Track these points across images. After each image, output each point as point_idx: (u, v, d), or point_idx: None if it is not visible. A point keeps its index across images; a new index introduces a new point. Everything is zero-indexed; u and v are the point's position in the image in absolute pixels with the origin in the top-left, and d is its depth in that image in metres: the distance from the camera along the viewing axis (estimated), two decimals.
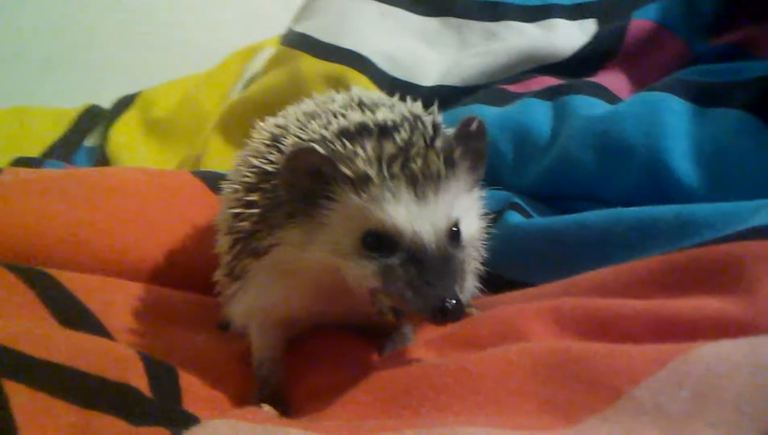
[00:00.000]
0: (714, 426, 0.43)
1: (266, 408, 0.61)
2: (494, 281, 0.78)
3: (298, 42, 1.17)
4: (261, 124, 0.72)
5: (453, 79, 1.08)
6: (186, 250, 0.85)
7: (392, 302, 0.56)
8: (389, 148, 0.56)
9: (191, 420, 0.58)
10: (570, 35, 1.07)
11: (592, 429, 0.46)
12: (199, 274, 0.84)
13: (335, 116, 0.62)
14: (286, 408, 0.64)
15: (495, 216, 0.83)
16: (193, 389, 0.64)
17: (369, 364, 0.67)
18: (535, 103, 0.92)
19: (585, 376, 0.50)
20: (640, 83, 0.97)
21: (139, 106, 1.62)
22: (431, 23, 1.17)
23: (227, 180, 0.72)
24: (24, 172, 0.93)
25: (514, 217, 0.82)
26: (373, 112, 0.61)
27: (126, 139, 1.54)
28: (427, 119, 0.61)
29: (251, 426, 0.50)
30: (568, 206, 0.86)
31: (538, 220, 0.81)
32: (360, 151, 0.56)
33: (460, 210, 0.59)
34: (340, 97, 0.68)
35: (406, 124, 0.58)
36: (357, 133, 0.57)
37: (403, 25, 1.17)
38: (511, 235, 0.79)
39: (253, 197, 0.62)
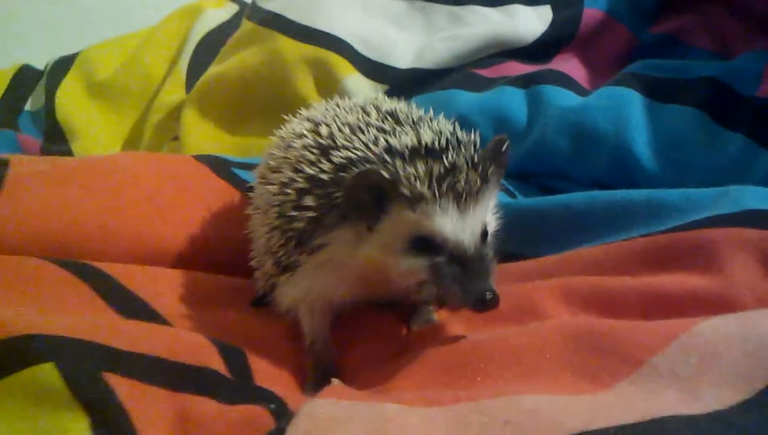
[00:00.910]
0: (716, 385, 0.57)
1: (336, 381, 0.71)
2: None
3: (273, 22, 1.21)
4: (293, 126, 0.80)
5: (426, 63, 1.16)
6: (206, 235, 0.93)
7: (439, 293, 0.68)
8: (438, 169, 0.66)
9: (272, 396, 0.68)
10: (530, 21, 1.18)
11: (623, 391, 0.60)
12: (220, 256, 0.92)
13: (379, 132, 0.71)
14: (340, 378, 0.75)
15: None
16: (261, 368, 0.74)
17: (401, 337, 0.78)
18: (510, 90, 1.04)
19: (612, 348, 0.63)
20: (592, 68, 1.12)
21: (80, 68, 1.60)
22: (399, 5, 1.23)
23: (262, 178, 0.80)
24: (29, 160, 0.96)
25: (501, 198, 0.95)
26: (415, 130, 0.70)
27: (73, 104, 1.53)
28: (465, 140, 0.71)
29: (353, 404, 0.61)
30: (545, 183, 0.99)
31: (526, 201, 0.93)
32: (414, 172, 0.66)
33: (489, 214, 0.71)
34: (367, 108, 0.77)
35: (450, 146, 0.68)
36: (411, 155, 0.67)
37: (373, 6, 1.23)
38: (502, 213, 0.92)
39: (308, 202, 0.71)
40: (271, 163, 0.79)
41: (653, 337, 0.63)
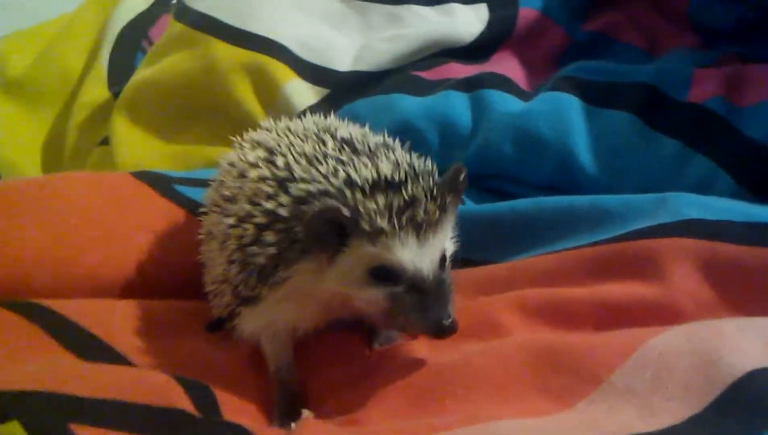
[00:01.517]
0: (669, 400, 0.62)
1: (306, 413, 0.72)
2: None
3: (204, 25, 1.17)
4: (244, 152, 0.79)
5: (366, 65, 1.15)
6: (153, 260, 0.90)
7: (399, 321, 0.70)
8: (398, 202, 0.67)
9: (243, 432, 0.68)
10: (468, 21, 1.18)
11: (584, 410, 0.64)
12: (168, 280, 0.91)
13: (337, 163, 0.71)
14: (307, 405, 0.76)
15: None
16: (227, 401, 0.74)
17: (364, 357, 0.80)
18: (453, 95, 1.05)
19: (572, 366, 0.67)
20: (528, 67, 1.14)
21: None
22: (335, 5, 1.22)
23: (215, 205, 0.79)
24: None
25: None
26: (373, 161, 0.70)
27: None
28: (423, 170, 0.72)
29: None
30: (493, 185, 1.02)
31: (475, 207, 0.96)
32: (375, 207, 0.67)
33: (447, 239, 0.72)
34: (322, 135, 0.76)
35: (409, 178, 0.69)
36: (371, 189, 0.67)
37: (310, 7, 1.20)
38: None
39: (269, 238, 0.71)
40: (225, 192, 0.77)
41: (610, 354, 0.67)
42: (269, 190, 0.72)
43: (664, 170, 0.94)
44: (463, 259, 0.90)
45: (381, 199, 0.67)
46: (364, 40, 1.18)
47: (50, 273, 0.84)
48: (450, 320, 0.67)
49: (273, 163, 0.74)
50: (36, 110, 1.46)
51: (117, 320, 0.82)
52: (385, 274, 0.68)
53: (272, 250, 0.71)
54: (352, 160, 0.71)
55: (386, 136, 0.80)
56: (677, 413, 0.61)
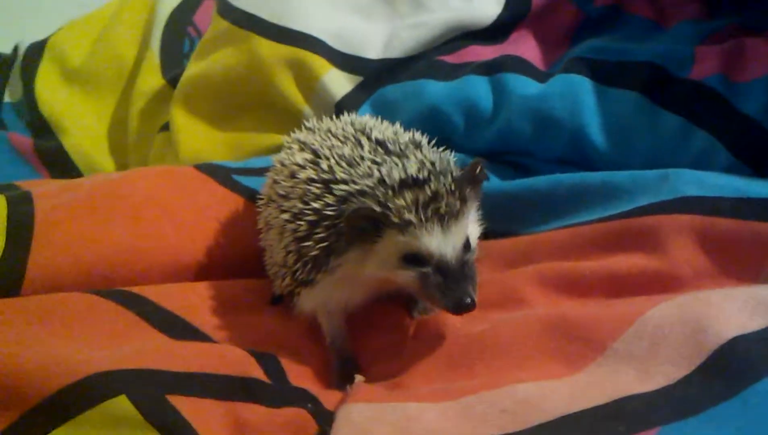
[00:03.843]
0: (663, 363, 0.73)
1: (359, 377, 0.86)
2: None
3: (247, 22, 1.27)
4: (292, 154, 0.91)
5: (394, 52, 1.23)
6: (220, 246, 1.04)
7: (427, 298, 0.82)
8: (423, 197, 0.79)
9: (308, 395, 0.82)
10: (486, 4, 1.26)
11: (592, 372, 0.76)
12: (233, 262, 1.04)
13: (372, 163, 0.83)
14: (358, 370, 0.90)
15: None
16: (292, 369, 0.88)
17: (406, 327, 0.93)
18: (475, 79, 1.15)
19: (581, 334, 0.79)
20: (544, 45, 1.23)
21: (51, 56, 1.62)
22: None
23: (272, 201, 0.91)
24: (46, 191, 1.04)
25: None
26: (401, 161, 0.82)
27: (53, 95, 1.57)
28: (445, 168, 0.82)
29: (381, 405, 0.76)
30: (514, 160, 1.13)
31: (498, 184, 1.07)
32: (403, 202, 0.79)
33: (470, 226, 0.84)
34: (359, 137, 0.88)
35: (432, 176, 0.80)
36: (400, 187, 0.79)
37: (339, 0, 1.28)
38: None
39: (320, 233, 0.83)
40: (279, 190, 0.90)
41: (613, 324, 0.78)
42: (317, 191, 0.84)
43: (668, 145, 1.02)
44: (489, 230, 1.02)
45: (408, 196, 0.79)
46: (391, 27, 1.26)
47: (132, 262, 0.98)
48: (469, 299, 0.79)
49: (318, 165, 0.86)
50: (96, 98, 1.57)
51: (194, 301, 0.96)
52: (414, 259, 0.80)
53: (323, 244, 0.84)
54: (384, 160, 0.83)
55: (414, 132, 0.93)
56: (670, 375, 0.71)
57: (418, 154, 0.84)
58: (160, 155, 1.36)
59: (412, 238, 0.79)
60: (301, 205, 0.85)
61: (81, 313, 0.89)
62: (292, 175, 0.89)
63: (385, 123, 0.96)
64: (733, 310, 0.75)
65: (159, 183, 1.07)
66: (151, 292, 0.94)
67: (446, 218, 0.80)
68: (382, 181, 0.80)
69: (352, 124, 0.94)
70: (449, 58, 1.21)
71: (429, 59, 1.21)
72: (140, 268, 0.98)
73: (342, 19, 1.26)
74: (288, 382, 0.87)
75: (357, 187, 0.81)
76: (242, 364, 0.85)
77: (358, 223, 0.80)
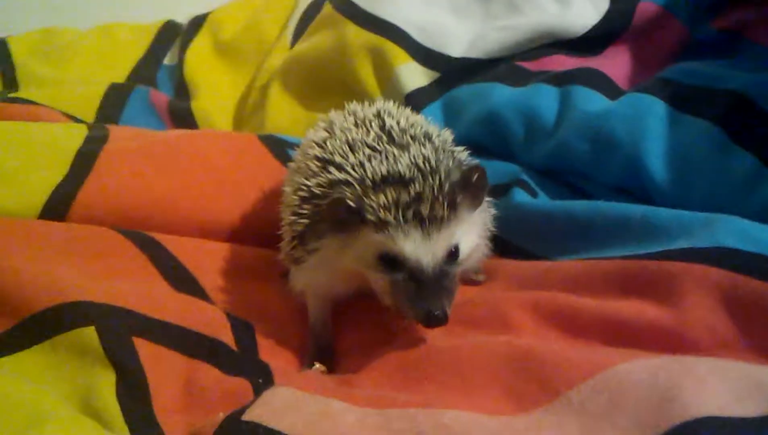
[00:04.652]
0: (614, 427, 0.62)
1: (317, 366, 0.84)
2: (503, 245, 0.97)
3: (346, 8, 1.28)
4: (314, 131, 0.90)
5: (477, 52, 1.18)
6: (255, 212, 1.06)
7: (395, 304, 0.77)
8: (405, 197, 0.74)
9: (265, 370, 0.81)
10: (584, 13, 1.16)
11: (537, 418, 0.67)
12: (266, 232, 1.05)
13: (371, 150, 0.79)
14: (332, 357, 0.87)
15: (504, 187, 1.00)
16: (267, 342, 0.88)
17: (393, 326, 0.88)
18: (544, 88, 1.06)
19: (539, 374, 0.70)
20: (642, 65, 1.10)
21: (209, 28, 1.73)
22: None
23: (288, 179, 0.91)
24: (125, 135, 1.13)
25: (519, 195, 0.99)
26: (395, 155, 0.77)
27: (199, 62, 1.68)
28: (440, 168, 0.76)
29: (305, 395, 0.73)
30: (569, 181, 1.03)
31: (535, 203, 0.98)
32: (382, 200, 0.74)
33: (460, 235, 0.77)
34: (374, 121, 0.85)
35: (420, 176, 0.75)
36: (382, 184, 0.75)
37: None
38: (515, 211, 0.97)
39: (305, 210, 0.82)
40: (292, 165, 0.90)
41: (575, 371, 0.68)
42: (315, 169, 0.83)
43: (735, 187, 0.87)
44: (517, 247, 0.94)
45: (390, 194, 0.75)
46: (480, 28, 1.21)
47: (171, 214, 1.03)
48: (440, 312, 0.73)
49: (325, 144, 0.85)
50: (237, 71, 1.67)
51: (207, 259, 0.99)
52: (390, 262, 0.76)
53: (306, 220, 0.82)
54: (383, 150, 0.79)
55: (430, 124, 0.88)
56: None
57: (421, 149, 0.79)
58: None
59: (387, 238, 0.75)
60: (301, 180, 0.84)
61: (98, 246, 0.95)
62: (305, 152, 0.88)
63: (407, 111, 0.92)
64: (718, 386, 0.62)
65: (218, 145, 1.11)
66: (172, 242, 0.99)
67: (428, 223, 0.74)
68: (365, 175, 0.77)
69: (379, 108, 0.90)
70: (529, 65, 1.13)
71: (509, 63, 1.14)
72: (176, 219, 1.03)
73: (432, 13, 1.23)
74: (254, 353, 0.86)
75: (343, 175, 0.78)
76: (216, 325, 0.86)
77: (336, 213, 0.77)
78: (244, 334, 0.87)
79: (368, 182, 0.76)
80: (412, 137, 0.82)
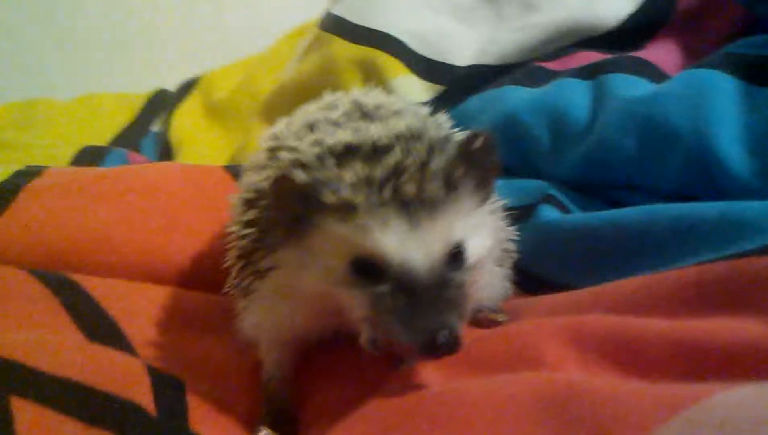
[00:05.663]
0: None
1: (264, 432, 0.59)
2: (530, 280, 0.73)
3: (333, 25, 1.13)
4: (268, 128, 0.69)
5: (489, 58, 1.00)
6: (212, 252, 0.83)
7: (381, 333, 0.52)
8: (378, 171, 0.51)
9: None
10: (614, 3, 0.97)
11: None
12: (224, 275, 0.83)
13: (333, 126, 0.58)
14: (292, 428, 0.62)
15: (528, 210, 0.77)
16: (201, 406, 0.63)
17: (379, 381, 0.63)
18: (572, 83, 0.85)
19: (588, 420, 0.44)
20: (695, 55, 0.88)
21: (201, 89, 1.64)
22: None
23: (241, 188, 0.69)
24: (62, 172, 0.94)
25: (549, 212, 0.76)
26: (367, 127, 0.55)
27: (188, 124, 1.56)
28: (429, 135, 0.54)
29: None
30: (610, 196, 0.79)
31: (571, 218, 0.74)
32: (346, 176, 0.51)
33: (466, 230, 0.53)
34: (345, 102, 0.63)
35: (400, 144, 0.52)
36: (344, 155, 0.52)
37: (435, 1, 1.10)
38: (545, 232, 0.73)
39: (250, 216, 0.60)
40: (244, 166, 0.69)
41: (648, 409, 0.43)
42: (262, 160, 0.61)
43: None
44: (550, 280, 0.70)
45: (358, 167, 0.52)
46: (491, 31, 1.03)
47: (105, 251, 0.82)
48: (447, 333, 0.48)
49: (276, 131, 0.64)
50: (231, 129, 1.53)
51: (141, 306, 0.76)
52: (367, 269, 0.52)
53: (252, 230, 0.59)
54: (349, 124, 0.57)
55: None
56: None
57: (399, 121, 0.57)
58: None
59: (357, 231, 0.51)
60: (248, 180, 0.63)
61: (3, 289, 0.74)
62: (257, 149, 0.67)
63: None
64: None
65: (172, 175, 0.91)
66: (96, 285, 0.77)
67: (414, 206, 0.51)
68: (325, 148, 0.54)
69: (353, 95, 0.69)
70: (550, 64, 0.93)
71: (527, 65, 0.94)
72: (113, 259, 0.82)
73: (432, 21, 1.06)
74: (182, 419, 0.61)
75: (298, 155, 0.56)
76: (129, 383, 0.62)
77: (283, 202, 0.53)
78: (169, 394, 0.63)
79: (328, 158, 0.53)
80: (394, 112, 0.60)
